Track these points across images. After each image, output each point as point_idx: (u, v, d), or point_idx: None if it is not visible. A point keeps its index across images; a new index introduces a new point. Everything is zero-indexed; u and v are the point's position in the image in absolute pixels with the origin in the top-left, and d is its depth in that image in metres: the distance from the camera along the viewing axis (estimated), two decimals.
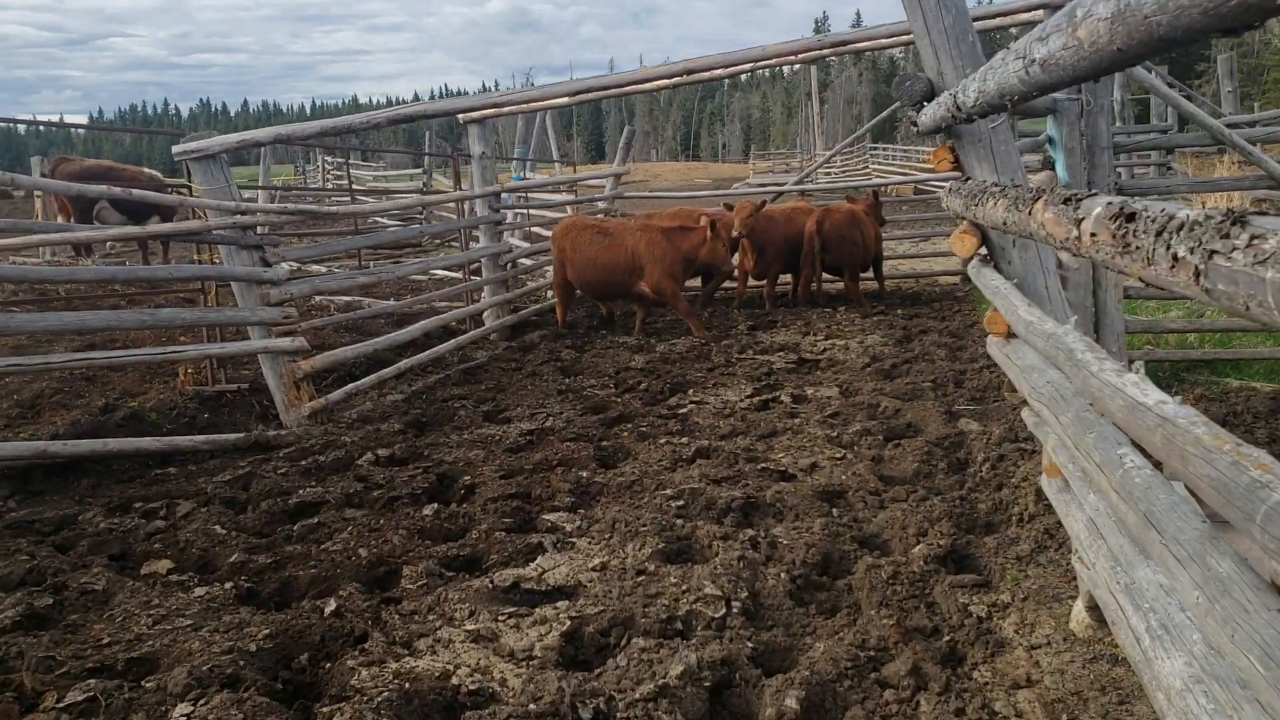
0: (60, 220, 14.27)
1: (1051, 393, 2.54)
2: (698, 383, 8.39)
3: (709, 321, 11.73)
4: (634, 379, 8.58)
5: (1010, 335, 3.23)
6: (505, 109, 8.36)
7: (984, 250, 3.33)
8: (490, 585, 4.24)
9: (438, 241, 19.85)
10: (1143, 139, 7.12)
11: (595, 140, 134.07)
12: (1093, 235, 1.56)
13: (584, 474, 5.83)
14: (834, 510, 5.17)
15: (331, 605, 4.06)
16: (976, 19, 6.32)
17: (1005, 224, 2.23)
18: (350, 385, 7.72)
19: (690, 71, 7.02)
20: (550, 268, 11.78)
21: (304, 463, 6.31)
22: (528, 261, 13.82)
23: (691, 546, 4.70)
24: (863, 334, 10.42)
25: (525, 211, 14.26)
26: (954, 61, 3.20)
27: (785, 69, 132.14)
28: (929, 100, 3.25)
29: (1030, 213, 1.91)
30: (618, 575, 4.33)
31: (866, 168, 40.48)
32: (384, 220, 21.75)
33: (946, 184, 3.43)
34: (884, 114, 19.95)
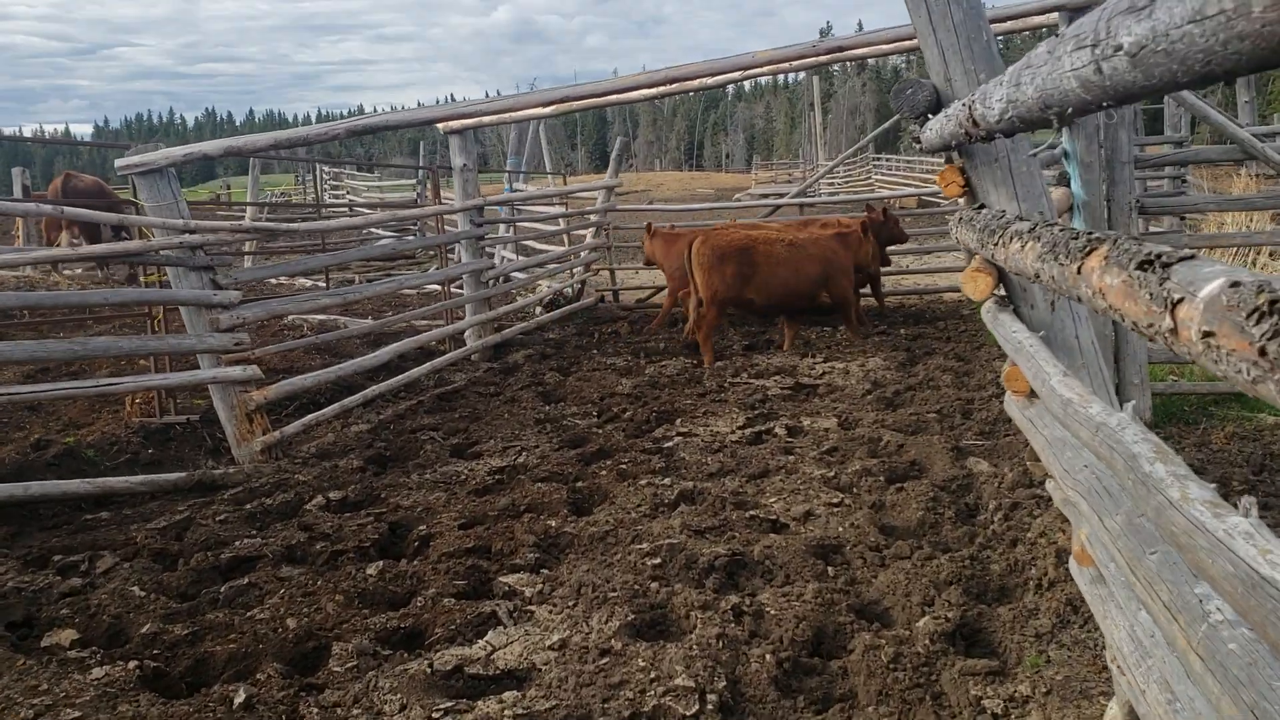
0: (65, 238, 13.76)
1: (1091, 483, 1.99)
2: (686, 411, 7.83)
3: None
4: (619, 406, 8.02)
5: (1034, 395, 2.66)
6: (476, 119, 7.82)
7: (1001, 290, 2.78)
8: (429, 669, 3.67)
9: (432, 253, 19.32)
10: (1167, 153, 6.57)
11: (600, 150, 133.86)
12: (1207, 336, 1.00)
13: (553, 523, 5.26)
14: (829, 569, 4.60)
15: (242, 695, 3.50)
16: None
17: (1037, 276, 1.68)
18: (310, 416, 7.16)
19: (674, 80, 6.47)
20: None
21: (249, 506, 5.76)
22: (521, 276, 13.30)
23: (667, 617, 4.13)
24: (864, 356, 9.85)
25: (515, 225, 13.72)
26: (965, 65, 2.65)
27: (789, 78, 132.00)
28: (935, 112, 2.70)
29: (1080, 271, 1.35)
30: (578, 656, 3.77)
31: (869, 179, 39.96)
32: (379, 232, 21.26)
33: (956, 210, 2.88)
34: (886, 124, 19.46)
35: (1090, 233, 1.42)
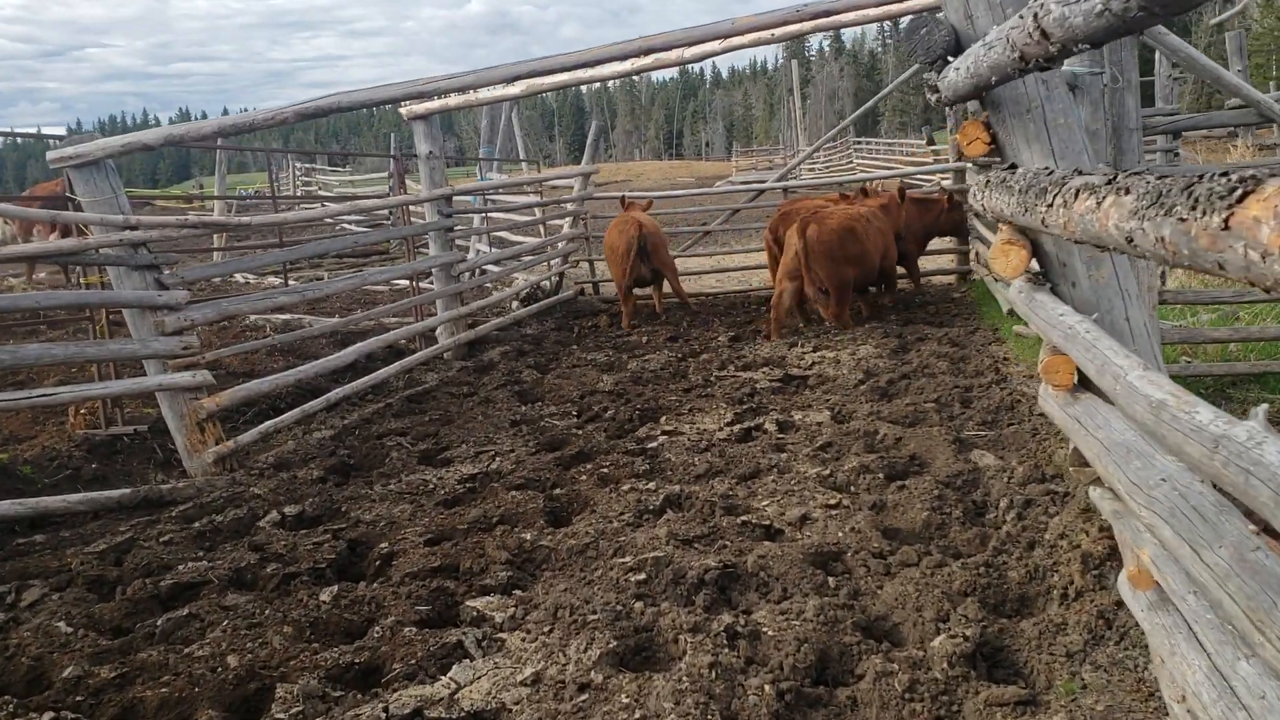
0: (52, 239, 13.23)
1: (1176, 504, 1.58)
2: (671, 408, 7.39)
3: (687, 333, 10.75)
4: (600, 404, 7.57)
5: (1078, 388, 2.24)
6: (439, 101, 7.33)
7: (1035, 265, 2.35)
8: (384, 714, 3.23)
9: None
10: (1178, 117, 6.17)
11: (579, 140, 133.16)
12: None
13: (528, 536, 4.82)
14: (830, 580, 4.18)
15: None
16: None
17: (1130, 242, 1.26)
18: (268, 423, 6.69)
19: (649, 50, 5.99)
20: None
21: (197, 525, 5.30)
22: (495, 269, 12.82)
23: (653, 642, 3.70)
24: (854, 344, 9.43)
25: (488, 215, 13.23)
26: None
27: (768, 62, 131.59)
28: (955, 54, 2.26)
29: (1228, 224, 0.92)
30: (554, 693, 3.34)
31: (850, 162, 39.61)
32: (349, 226, 20.70)
33: (981, 173, 2.43)
34: (866, 106, 19.05)
35: (1227, 171, 1.00)
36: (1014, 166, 2.27)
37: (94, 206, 6.04)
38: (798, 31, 6.60)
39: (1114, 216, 1.30)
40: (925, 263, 14.45)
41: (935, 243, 15.26)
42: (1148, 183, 1.22)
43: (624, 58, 6.14)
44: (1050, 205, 1.64)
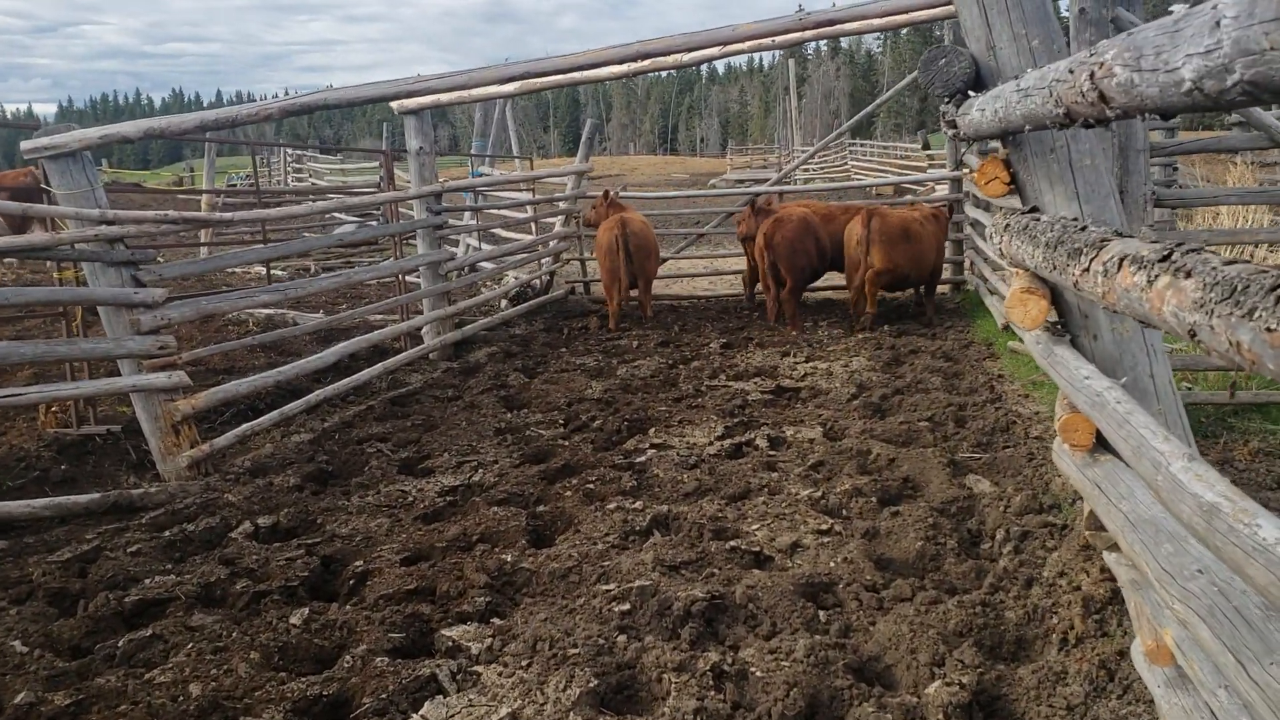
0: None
1: (1218, 604, 1.43)
2: (661, 419, 7.23)
3: (679, 337, 10.59)
4: (588, 413, 7.41)
5: (1098, 448, 2.09)
6: (431, 97, 7.14)
7: (1054, 316, 2.20)
8: None
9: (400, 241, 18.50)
10: (1186, 140, 6.02)
11: (574, 133, 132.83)
12: None
13: (508, 557, 4.66)
14: (821, 614, 4.03)
15: None
16: None
17: (1197, 336, 1.10)
18: (245, 425, 6.50)
19: (646, 55, 5.82)
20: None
21: (168, 534, 5.12)
22: (488, 266, 12.62)
23: (636, 680, 3.55)
24: (847, 355, 9.30)
25: (479, 212, 13.04)
26: (1013, 28, 2.06)
27: (764, 60, 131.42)
28: (975, 88, 2.10)
29: None
30: None
31: (845, 165, 39.49)
32: (342, 218, 20.45)
33: (1001, 215, 2.27)
34: (865, 111, 18.88)
35: None
36: (1035, 210, 2.12)
37: (69, 199, 5.84)
38: (799, 40, 6.43)
39: (1171, 302, 1.15)
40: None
41: None
42: (1214, 270, 1.06)
43: (621, 61, 5.96)
44: (1086, 270, 1.47)
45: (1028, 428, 6.48)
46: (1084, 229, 1.65)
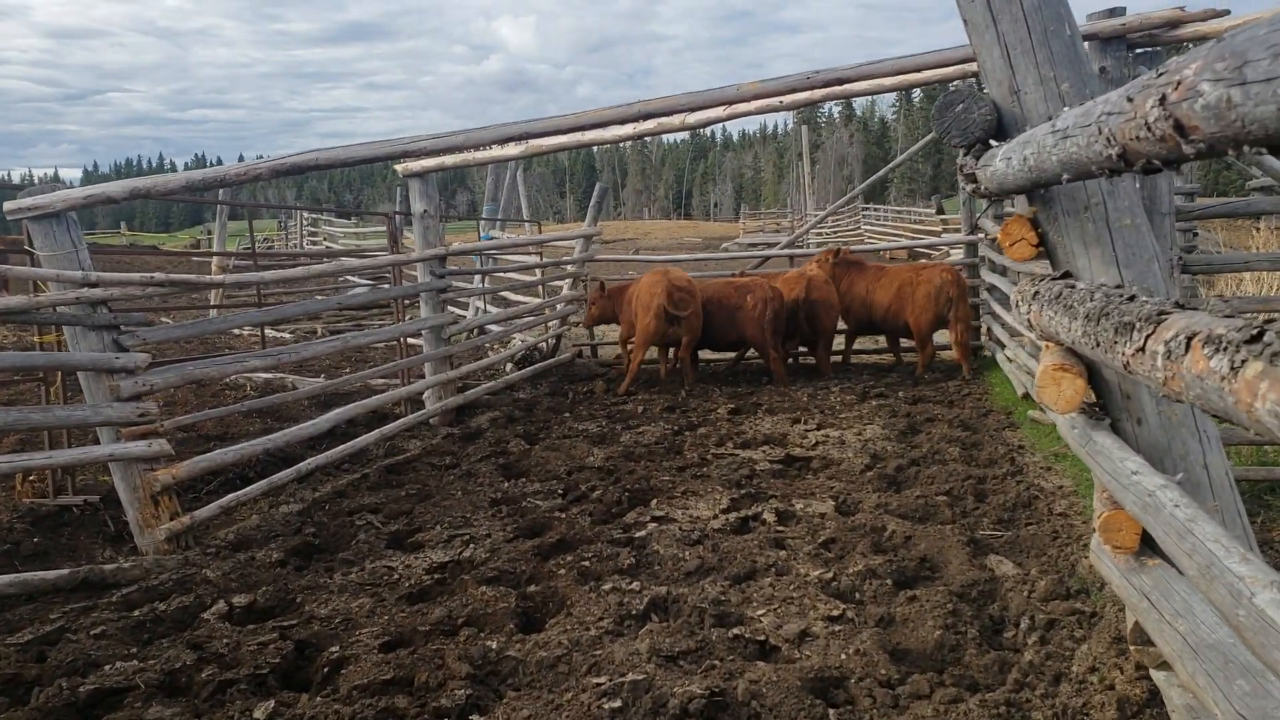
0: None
1: None
2: (664, 489, 6.92)
3: (685, 402, 10.30)
4: (588, 483, 7.10)
5: (1145, 550, 1.79)
6: (435, 159, 6.99)
7: (1090, 396, 1.92)
8: None
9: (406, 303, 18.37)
10: (1210, 204, 5.79)
11: (590, 197, 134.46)
12: None
13: (494, 644, 4.33)
14: (831, 714, 3.69)
15: None
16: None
17: None
18: (230, 496, 6.23)
19: (649, 115, 5.63)
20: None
21: (137, 613, 4.82)
22: (496, 328, 12.42)
23: None
24: (860, 423, 8.99)
25: (486, 275, 12.88)
26: (1039, 70, 1.82)
27: (778, 126, 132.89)
28: (997, 137, 1.86)
29: None
30: None
31: (859, 229, 39.52)
32: (354, 280, 20.38)
33: (1028, 281, 1.99)
34: (877, 175, 18.81)
35: None
36: (1069, 275, 1.86)
37: (52, 261, 5.67)
38: (807, 100, 6.25)
39: (1270, 398, 0.87)
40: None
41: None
42: None
43: (622, 122, 5.78)
44: (1141, 349, 1.20)
45: (1051, 503, 6.14)
46: (1133, 298, 1.39)
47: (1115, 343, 1.33)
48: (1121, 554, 1.92)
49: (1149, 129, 1.11)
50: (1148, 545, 1.94)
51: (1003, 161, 1.74)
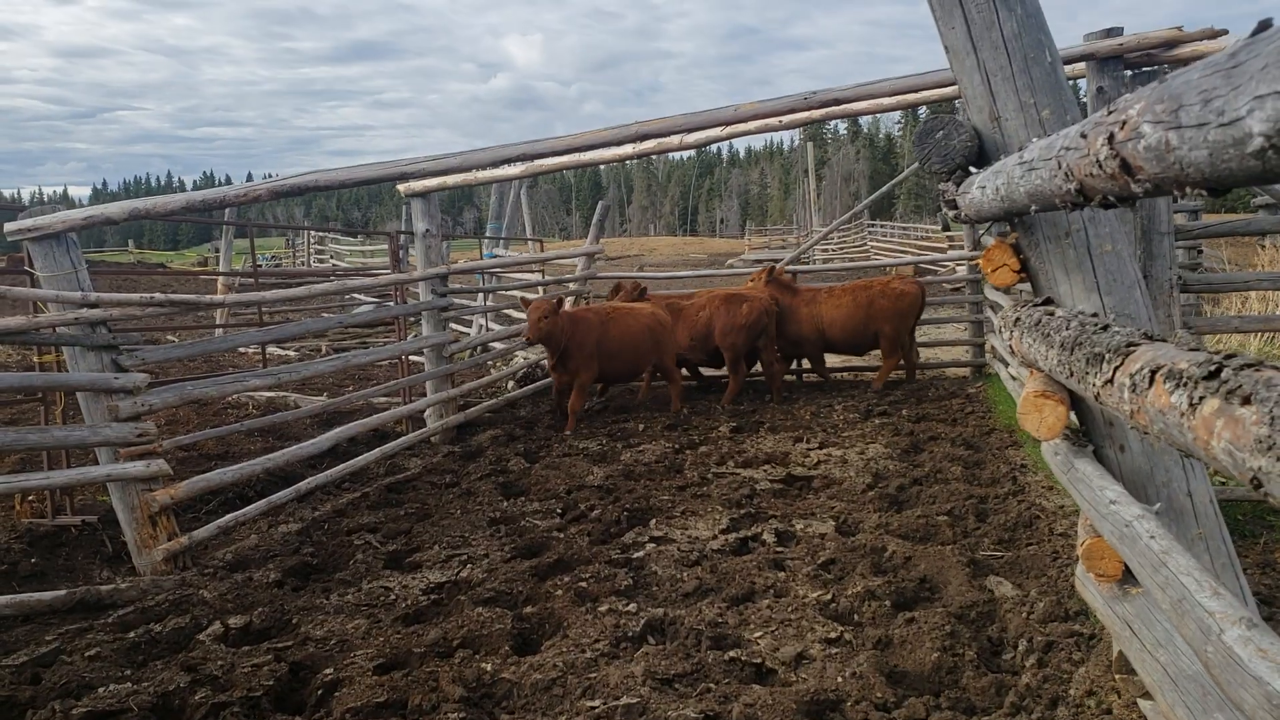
0: None
1: None
2: (663, 509, 6.90)
3: (687, 420, 10.29)
4: (587, 502, 7.09)
5: (1128, 577, 1.77)
6: (437, 179, 7.02)
7: (1074, 420, 1.91)
8: None
9: (412, 320, 18.44)
10: (1214, 223, 5.78)
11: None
12: None
13: (489, 666, 4.31)
14: None
15: None
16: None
17: (1262, 487, 0.82)
18: (229, 516, 6.23)
19: (646, 136, 5.65)
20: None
21: (133, 634, 4.81)
22: (499, 346, 12.45)
23: None
24: (863, 441, 8.97)
25: (488, 293, 12.90)
26: (1019, 96, 1.81)
27: (784, 143, 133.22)
28: (977, 164, 1.85)
29: None
30: None
31: (864, 245, 39.55)
32: (360, 298, 20.44)
33: (1010, 306, 1.99)
34: (880, 191, 18.83)
35: None
36: (1049, 302, 1.85)
37: (52, 282, 5.69)
38: (805, 120, 6.26)
39: (1225, 436, 0.87)
40: (940, 354, 14.09)
41: (949, 333, 14.91)
42: None
43: (620, 142, 5.80)
44: (1110, 381, 1.19)
45: (1052, 523, 6.10)
46: (1105, 328, 1.38)
47: (1087, 373, 1.32)
48: (1105, 582, 1.90)
49: (1100, 166, 1.10)
50: (1131, 575, 1.92)
51: (979, 190, 1.73)
